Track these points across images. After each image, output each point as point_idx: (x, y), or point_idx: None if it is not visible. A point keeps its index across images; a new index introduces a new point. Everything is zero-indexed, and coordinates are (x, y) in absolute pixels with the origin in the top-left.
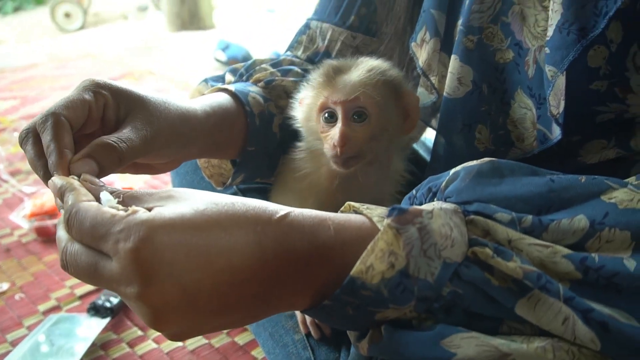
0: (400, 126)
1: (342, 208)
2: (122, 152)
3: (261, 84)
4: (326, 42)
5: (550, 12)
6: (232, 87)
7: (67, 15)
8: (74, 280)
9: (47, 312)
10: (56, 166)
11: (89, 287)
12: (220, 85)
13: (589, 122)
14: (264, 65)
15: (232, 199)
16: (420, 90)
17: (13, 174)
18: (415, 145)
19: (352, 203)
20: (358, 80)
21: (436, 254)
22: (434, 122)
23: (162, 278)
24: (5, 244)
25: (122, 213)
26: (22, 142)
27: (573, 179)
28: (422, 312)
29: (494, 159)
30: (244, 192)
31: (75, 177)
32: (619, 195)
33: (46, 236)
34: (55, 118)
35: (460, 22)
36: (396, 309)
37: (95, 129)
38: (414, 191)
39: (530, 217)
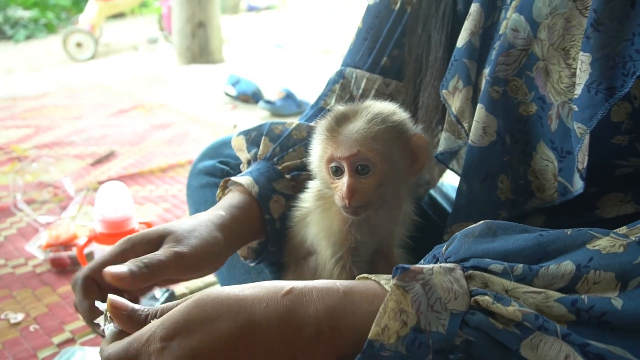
0: (408, 168)
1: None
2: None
3: (288, 176)
4: (360, 90)
5: (578, 72)
6: (255, 191)
7: (79, 45)
8: None
9: (61, 345)
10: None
11: None
12: (252, 155)
13: (608, 175)
14: (297, 148)
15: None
16: (446, 135)
17: (28, 203)
18: (432, 192)
19: (361, 275)
20: (358, 135)
21: (442, 307)
22: (454, 165)
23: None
24: (20, 274)
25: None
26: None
27: (560, 232)
28: None
29: (489, 221)
30: None
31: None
32: (602, 243)
33: (61, 267)
34: (78, 282)
35: (487, 71)
36: None
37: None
38: (422, 261)
39: (521, 265)
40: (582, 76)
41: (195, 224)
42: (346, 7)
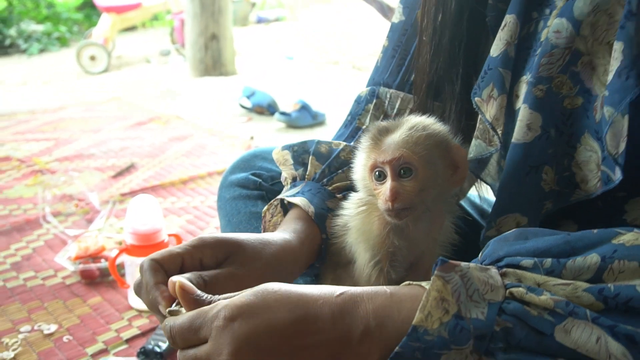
0: (449, 178)
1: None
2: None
3: (339, 196)
4: (395, 110)
5: (612, 60)
6: (311, 210)
7: (93, 58)
8: (120, 324)
9: (95, 355)
10: (154, 301)
11: (135, 331)
12: (301, 170)
13: (637, 178)
14: (346, 169)
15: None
16: (477, 142)
17: (54, 215)
18: (464, 203)
19: (404, 283)
20: (400, 140)
21: (480, 297)
22: (485, 175)
23: (243, 344)
24: (50, 285)
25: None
26: (136, 291)
27: (587, 232)
28: (483, 354)
29: (521, 228)
30: None
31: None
32: (627, 237)
33: (90, 279)
34: (146, 264)
35: (525, 77)
36: (458, 350)
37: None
38: None
39: (549, 259)
40: (614, 64)
41: (265, 243)
42: (355, 19)
